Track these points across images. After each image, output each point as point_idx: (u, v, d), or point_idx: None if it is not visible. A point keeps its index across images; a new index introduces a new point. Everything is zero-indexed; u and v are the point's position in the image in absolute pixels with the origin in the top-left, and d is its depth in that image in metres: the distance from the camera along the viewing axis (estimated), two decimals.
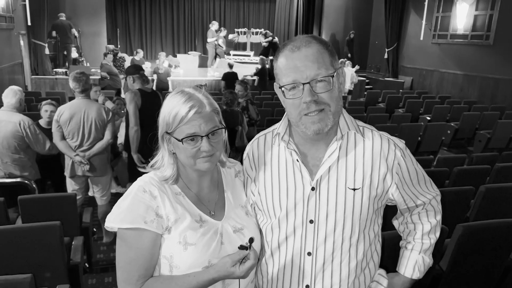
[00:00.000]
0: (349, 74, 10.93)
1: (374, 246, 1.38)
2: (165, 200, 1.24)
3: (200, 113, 1.21)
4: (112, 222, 1.22)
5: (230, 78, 9.39)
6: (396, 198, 1.36)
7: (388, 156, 1.29)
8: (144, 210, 1.21)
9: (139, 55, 11.28)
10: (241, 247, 1.19)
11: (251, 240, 1.20)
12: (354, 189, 1.26)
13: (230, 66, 10.10)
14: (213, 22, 13.40)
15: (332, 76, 1.18)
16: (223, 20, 18.35)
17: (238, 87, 5.63)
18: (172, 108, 1.23)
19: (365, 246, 1.33)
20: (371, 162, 1.27)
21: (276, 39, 14.44)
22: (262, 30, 15.49)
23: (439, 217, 1.47)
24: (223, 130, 1.29)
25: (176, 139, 1.23)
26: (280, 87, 1.22)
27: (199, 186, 1.33)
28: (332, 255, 1.29)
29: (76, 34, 11.99)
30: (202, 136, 1.21)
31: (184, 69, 12.57)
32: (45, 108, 4.26)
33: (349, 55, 13.89)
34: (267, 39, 14.21)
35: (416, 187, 1.37)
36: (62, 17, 11.42)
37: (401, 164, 1.30)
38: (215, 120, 1.25)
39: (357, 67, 12.24)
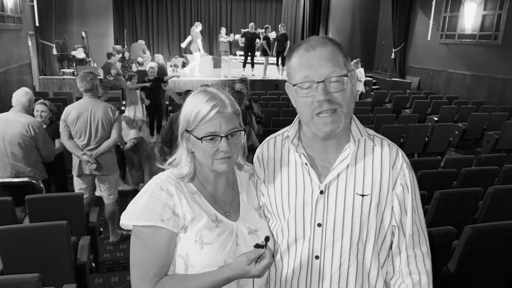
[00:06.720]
0: (363, 74, 10.91)
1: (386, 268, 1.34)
2: (182, 198, 1.24)
3: (221, 113, 1.22)
4: (128, 220, 1.22)
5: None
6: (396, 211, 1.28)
7: (395, 165, 1.27)
8: (161, 208, 1.21)
9: (159, 59, 10.11)
10: (257, 246, 1.18)
11: (267, 238, 1.20)
12: (362, 195, 1.25)
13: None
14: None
15: (346, 76, 1.19)
16: (229, 21, 18.35)
17: (239, 86, 5.36)
18: (194, 107, 1.23)
19: (374, 258, 1.29)
20: (380, 169, 1.26)
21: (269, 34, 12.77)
22: (262, 30, 13.85)
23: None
24: (242, 132, 1.28)
25: (196, 137, 1.23)
26: (294, 85, 1.22)
27: (214, 186, 1.33)
28: (340, 259, 1.27)
29: (84, 34, 12.06)
30: (221, 136, 1.21)
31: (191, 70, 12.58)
32: (36, 108, 4.24)
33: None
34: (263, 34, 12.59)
35: (408, 212, 1.28)
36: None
37: (406, 176, 1.27)
38: (235, 121, 1.25)
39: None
